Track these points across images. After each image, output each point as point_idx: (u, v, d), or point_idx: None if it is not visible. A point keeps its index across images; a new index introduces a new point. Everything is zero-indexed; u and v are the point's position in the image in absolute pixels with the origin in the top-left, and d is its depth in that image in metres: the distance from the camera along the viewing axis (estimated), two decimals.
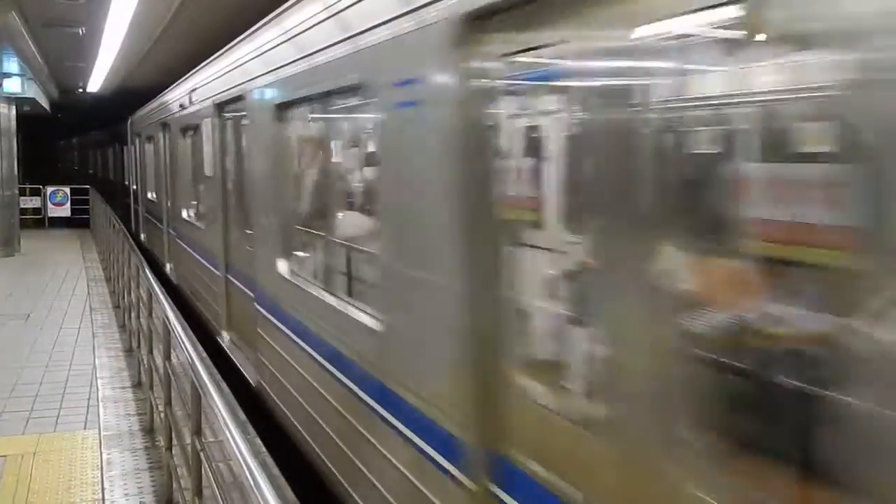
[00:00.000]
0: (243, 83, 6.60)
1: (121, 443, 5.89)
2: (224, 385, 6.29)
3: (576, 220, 2.74)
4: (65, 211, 23.69)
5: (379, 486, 3.78)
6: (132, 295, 8.55)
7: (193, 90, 9.56)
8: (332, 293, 4.80)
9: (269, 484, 2.58)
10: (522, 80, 2.94)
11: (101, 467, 5.40)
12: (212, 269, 8.45)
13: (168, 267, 12.51)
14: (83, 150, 40.22)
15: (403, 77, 3.43)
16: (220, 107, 7.88)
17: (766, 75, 2.18)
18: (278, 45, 5.52)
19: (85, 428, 6.22)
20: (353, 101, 4.72)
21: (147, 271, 7.56)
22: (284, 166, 5.79)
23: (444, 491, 3.12)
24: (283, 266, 5.64)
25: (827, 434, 1.85)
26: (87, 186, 24.42)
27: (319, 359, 4.69)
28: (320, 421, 4.66)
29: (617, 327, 2.35)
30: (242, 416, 5.72)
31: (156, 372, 6.08)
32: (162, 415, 5.34)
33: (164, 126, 12.32)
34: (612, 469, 2.35)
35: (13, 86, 16.55)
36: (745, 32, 2.06)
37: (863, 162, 1.71)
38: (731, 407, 2.14)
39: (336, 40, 4.20)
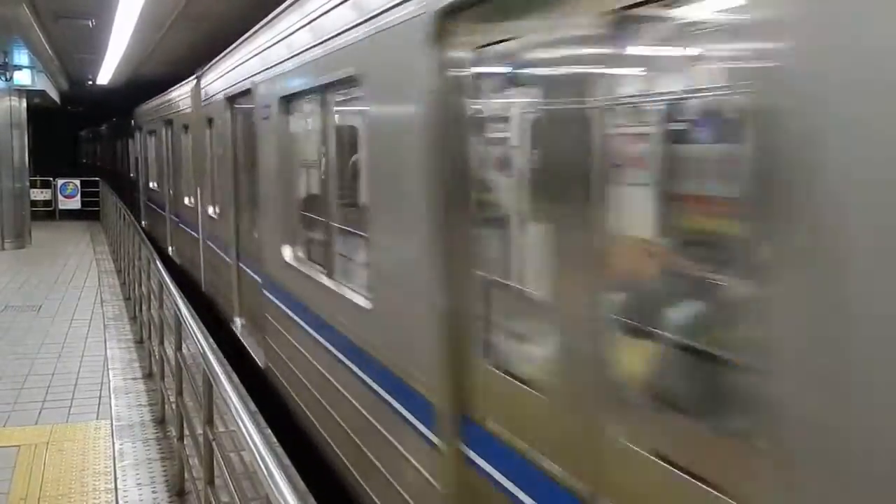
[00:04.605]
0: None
1: (133, 433, 5.93)
2: (235, 376, 6.33)
3: None
4: (75, 203, 23.81)
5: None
6: (142, 286, 8.59)
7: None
8: None
9: (282, 474, 2.59)
10: None
11: (114, 457, 5.44)
12: None
13: None
14: (93, 142, 40.38)
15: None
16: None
17: None
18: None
19: (97, 418, 6.26)
20: None
21: (158, 263, 7.60)
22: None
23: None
24: None
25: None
26: (98, 178, 24.53)
27: None
28: None
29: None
30: (253, 406, 5.74)
31: (167, 362, 6.11)
32: (173, 405, 5.37)
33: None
34: None
35: (23, 78, 16.62)
36: None
37: None
38: None
39: None
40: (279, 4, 5.73)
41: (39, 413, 6.38)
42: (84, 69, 18.75)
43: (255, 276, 6.98)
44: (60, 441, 5.74)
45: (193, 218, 10.95)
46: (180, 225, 12.71)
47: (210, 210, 9.73)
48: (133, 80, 19.61)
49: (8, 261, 15.22)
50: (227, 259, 8.46)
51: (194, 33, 12.51)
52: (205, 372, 3.97)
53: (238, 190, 8.09)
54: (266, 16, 6.26)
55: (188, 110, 11.18)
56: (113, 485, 5.00)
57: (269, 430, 5.64)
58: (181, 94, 12.08)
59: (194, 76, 10.64)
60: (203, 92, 9.86)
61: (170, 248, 14.03)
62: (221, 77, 8.51)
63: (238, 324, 8.07)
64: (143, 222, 17.57)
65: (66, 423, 6.16)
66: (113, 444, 5.69)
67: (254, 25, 6.82)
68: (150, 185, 17.26)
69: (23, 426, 6.09)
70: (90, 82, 21.12)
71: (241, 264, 8.01)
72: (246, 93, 7.03)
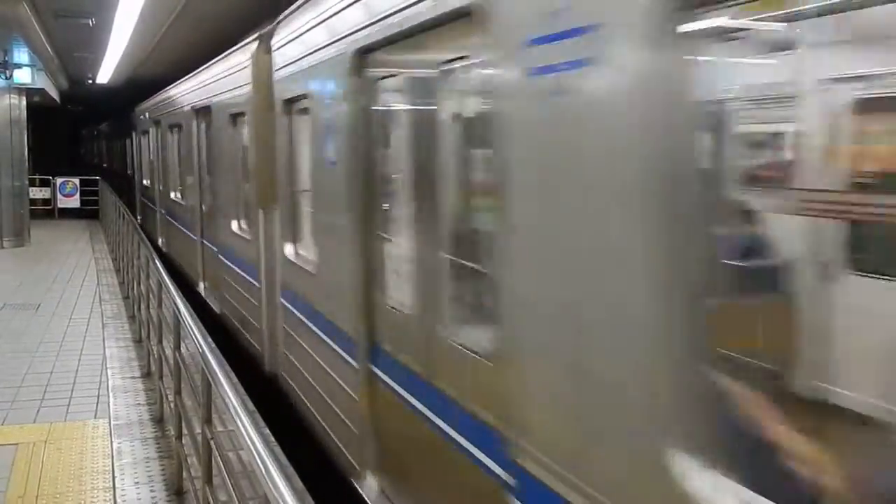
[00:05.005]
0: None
1: (131, 432, 5.93)
2: (234, 376, 6.33)
3: None
4: (74, 202, 23.82)
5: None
6: (141, 286, 8.60)
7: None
8: None
9: (280, 473, 2.60)
10: None
11: (112, 456, 5.44)
12: None
13: None
14: (97, 140, 40.43)
15: None
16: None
17: None
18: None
19: (95, 417, 6.26)
20: None
21: (157, 262, 7.59)
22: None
23: None
24: None
25: None
26: (97, 178, 24.54)
27: None
28: None
29: None
30: (251, 405, 5.75)
31: (165, 362, 6.12)
32: (172, 404, 5.38)
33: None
34: None
35: (23, 76, 16.63)
36: None
37: None
38: None
39: None
40: (279, 5, 5.60)
41: (38, 411, 6.37)
42: (84, 68, 18.76)
43: (450, 430, 3.40)
44: (58, 439, 5.74)
45: (249, 255, 7.46)
46: (222, 258, 8.94)
47: (290, 251, 6.12)
48: (133, 79, 19.63)
49: (7, 259, 15.23)
50: (344, 354, 4.69)
51: (195, 32, 12.51)
52: (203, 371, 3.98)
53: (372, 233, 4.33)
54: (266, 12, 6.10)
55: (244, 89, 7.29)
56: (111, 483, 5.00)
57: (268, 430, 5.65)
58: (231, 66, 8.11)
59: (254, 36, 6.94)
60: (276, 58, 6.26)
61: (202, 285, 10.51)
62: (337, 14, 4.66)
63: (373, 489, 4.30)
64: (159, 240, 14.72)
65: (64, 421, 6.16)
66: (111, 442, 5.69)
67: (254, 24, 6.68)
68: (172, 195, 13.46)
69: (21, 424, 6.09)
70: (90, 81, 21.14)
71: (377, 370, 4.29)
72: (436, 26, 3.34)
